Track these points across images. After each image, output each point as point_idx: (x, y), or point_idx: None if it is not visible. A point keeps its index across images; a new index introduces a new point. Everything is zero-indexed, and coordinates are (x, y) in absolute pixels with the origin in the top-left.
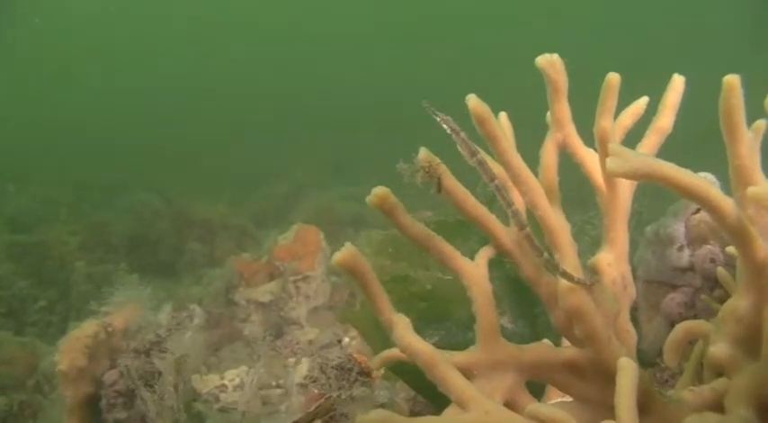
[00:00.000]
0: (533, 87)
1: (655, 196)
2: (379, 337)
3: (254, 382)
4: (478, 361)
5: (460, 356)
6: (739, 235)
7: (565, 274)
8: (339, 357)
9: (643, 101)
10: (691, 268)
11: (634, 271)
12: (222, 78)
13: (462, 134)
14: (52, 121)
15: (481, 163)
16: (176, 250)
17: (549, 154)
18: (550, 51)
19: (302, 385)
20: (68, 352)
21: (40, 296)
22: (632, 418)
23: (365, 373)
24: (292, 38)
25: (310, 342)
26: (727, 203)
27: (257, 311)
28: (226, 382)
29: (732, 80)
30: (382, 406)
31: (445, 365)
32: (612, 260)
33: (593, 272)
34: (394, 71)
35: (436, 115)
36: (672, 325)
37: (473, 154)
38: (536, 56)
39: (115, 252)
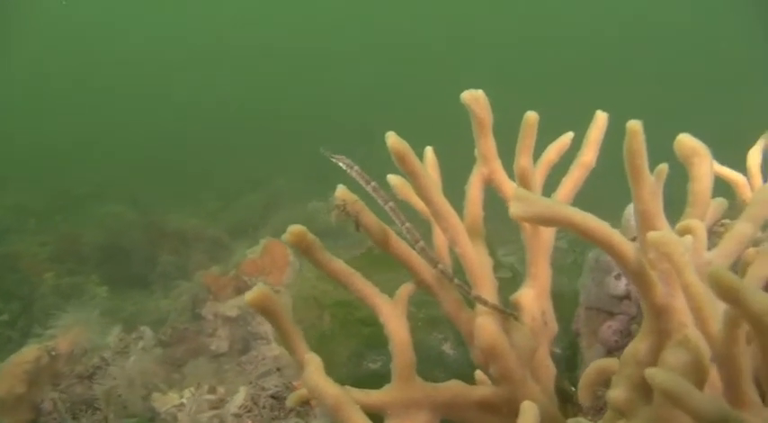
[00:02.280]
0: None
1: None
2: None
3: (193, 409)
4: (393, 400)
5: (375, 396)
6: (639, 279)
7: (478, 299)
8: (276, 386)
9: (567, 136)
10: (627, 296)
11: (578, 297)
12: (205, 85)
13: (356, 168)
14: (25, 128)
15: (375, 189)
16: (149, 262)
17: (474, 189)
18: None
19: (237, 415)
20: (6, 378)
21: (2, 310)
22: None
23: (303, 402)
24: (277, 46)
25: (275, 358)
26: (628, 248)
27: (224, 326)
28: (184, 400)
29: (634, 126)
30: None
31: (350, 408)
32: (534, 296)
33: (514, 308)
34: (375, 81)
35: (332, 158)
36: (609, 352)
37: (367, 182)
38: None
39: (86, 264)
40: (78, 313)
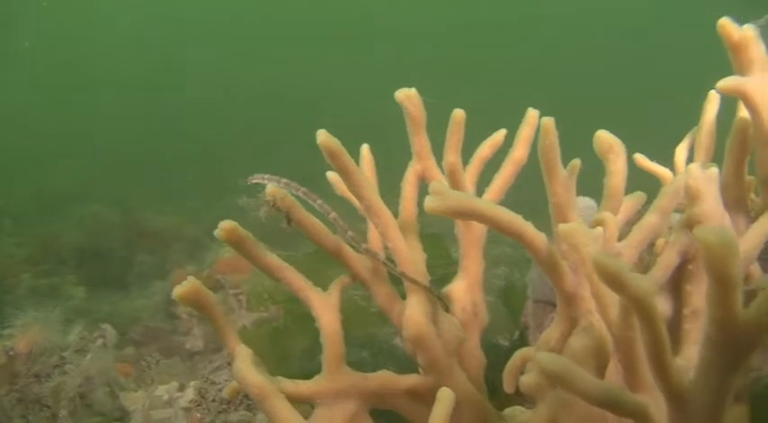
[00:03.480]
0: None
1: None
2: (275, 356)
3: (146, 405)
4: (321, 389)
5: (304, 385)
6: (550, 268)
7: (404, 275)
8: (226, 380)
9: (501, 134)
10: None
11: (526, 290)
12: (191, 85)
13: (283, 181)
14: (7, 125)
15: (306, 194)
16: (127, 262)
17: (408, 185)
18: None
19: (187, 409)
20: None
21: None
22: None
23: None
24: (260, 46)
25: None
26: (539, 239)
27: (199, 325)
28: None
29: (547, 123)
30: None
31: (274, 397)
32: (465, 288)
33: (447, 300)
34: (363, 78)
35: (261, 180)
36: None
37: (296, 189)
38: None
39: (64, 265)
40: (38, 312)
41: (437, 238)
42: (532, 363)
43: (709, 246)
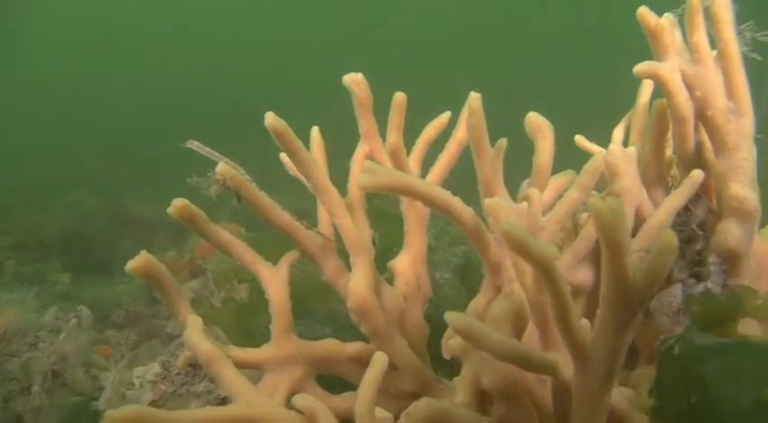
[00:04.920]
0: None
1: None
2: (241, 332)
3: (116, 381)
4: (270, 356)
5: (253, 353)
6: (477, 240)
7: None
8: None
9: (445, 116)
10: None
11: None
12: (178, 71)
13: (206, 148)
14: None
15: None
16: (112, 249)
17: (356, 165)
18: None
19: (153, 382)
20: None
21: None
22: (367, 409)
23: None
24: (247, 38)
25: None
26: (466, 212)
27: None
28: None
29: (474, 102)
30: (224, 400)
31: (221, 362)
32: (409, 261)
33: (391, 273)
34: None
35: (192, 146)
36: None
37: (220, 159)
38: None
39: (49, 252)
40: (12, 294)
41: (399, 219)
42: None
43: (599, 214)
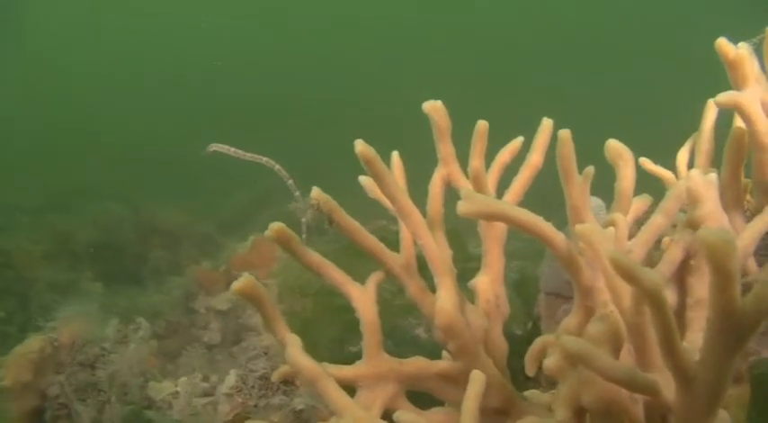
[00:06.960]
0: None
1: None
2: (306, 344)
3: (188, 392)
4: (363, 374)
5: (347, 370)
6: (569, 264)
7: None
8: (264, 368)
9: (518, 141)
10: None
11: (538, 283)
12: (199, 82)
13: (248, 155)
14: (13, 123)
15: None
16: (141, 258)
17: (435, 187)
18: None
19: (228, 395)
20: (12, 368)
21: None
22: (473, 420)
23: (288, 382)
24: (271, 42)
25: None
26: (558, 238)
27: (216, 319)
28: (178, 388)
29: (564, 135)
30: (300, 412)
31: (325, 380)
32: (488, 282)
33: (472, 292)
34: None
35: (213, 150)
36: None
37: (244, 155)
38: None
39: (80, 261)
40: (77, 306)
41: (456, 235)
42: (554, 347)
43: (711, 245)
